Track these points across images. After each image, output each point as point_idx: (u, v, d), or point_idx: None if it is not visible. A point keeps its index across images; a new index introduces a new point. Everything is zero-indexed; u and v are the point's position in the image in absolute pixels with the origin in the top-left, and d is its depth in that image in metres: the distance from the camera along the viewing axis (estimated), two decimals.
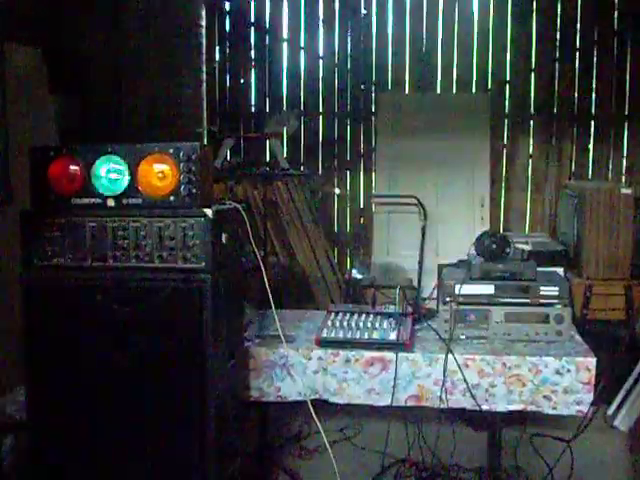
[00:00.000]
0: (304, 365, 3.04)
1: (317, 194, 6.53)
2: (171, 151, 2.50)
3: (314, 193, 6.41)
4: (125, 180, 2.54)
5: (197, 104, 6.38)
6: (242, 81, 7.07)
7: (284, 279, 5.44)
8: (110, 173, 2.54)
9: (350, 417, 4.35)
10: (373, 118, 6.75)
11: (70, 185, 2.57)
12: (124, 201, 2.55)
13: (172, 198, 2.52)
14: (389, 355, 2.97)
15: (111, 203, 2.56)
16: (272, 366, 3.05)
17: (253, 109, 7.05)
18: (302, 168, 6.63)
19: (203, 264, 2.50)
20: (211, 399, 2.56)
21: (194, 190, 2.50)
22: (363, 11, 6.75)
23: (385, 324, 3.12)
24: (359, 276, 5.71)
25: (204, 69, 6.47)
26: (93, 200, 2.57)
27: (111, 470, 2.63)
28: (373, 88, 6.78)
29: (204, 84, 6.43)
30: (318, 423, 2.97)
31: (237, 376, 2.85)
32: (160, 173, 2.51)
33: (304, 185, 6.19)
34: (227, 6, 7.09)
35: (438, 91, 6.67)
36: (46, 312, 2.63)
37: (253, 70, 7.07)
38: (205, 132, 6.31)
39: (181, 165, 2.49)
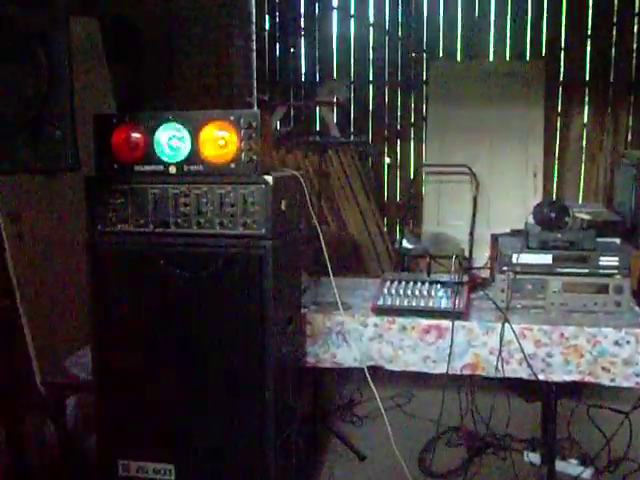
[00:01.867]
0: (360, 332, 3.05)
1: (368, 163, 6.52)
2: (232, 118, 2.51)
3: (365, 162, 6.40)
4: (186, 147, 2.56)
5: (247, 73, 6.44)
6: (292, 50, 7.05)
7: (335, 247, 5.45)
8: (172, 140, 2.56)
9: (401, 386, 4.37)
10: (424, 87, 6.69)
11: (132, 152, 2.60)
12: (185, 168, 2.57)
13: (233, 165, 2.53)
14: (445, 323, 2.97)
15: (173, 170, 2.58)
16: (328, 332, 3.08)
17: (303, 78, 7.04)
18: (352, 137, 6.62)
19: (263, 231, 2.52)
20: (270, 363, 2.59)
21: (254, 157, 2.51)
22: None
23: (441, 292, 3.12)
24: (409, 246, 5.69)
25: (254, 38, 6.50)
26: (155, 167, 2.59)
27: (173, 431, 2.69)
28: (424, 56, 6.72)
29: (254, 53, 6.47)
30: (374, 390, 2.99)
31: (295, 341, 2.88)
32: (221, 140, 2.52)
33: (355, 154, 6.18)
34: None
35: (491, 59, 6.57)
36: (110, 276, 2.69)
37: (303, 39, 7.05)
38: (255, 101, 6.35)
39: (242, 132, 2.50)
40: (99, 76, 4.31)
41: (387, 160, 6.73)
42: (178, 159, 2.57)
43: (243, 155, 2.52)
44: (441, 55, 6.69)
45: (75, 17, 3.93)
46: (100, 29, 4.43)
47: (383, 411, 3.06)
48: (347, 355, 3.08)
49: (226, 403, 2.65)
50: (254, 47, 6.48)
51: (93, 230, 2.67)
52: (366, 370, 2.99)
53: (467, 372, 3.01)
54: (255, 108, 6.36)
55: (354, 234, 5.88)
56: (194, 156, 2.56)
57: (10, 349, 3.46)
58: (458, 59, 6.65)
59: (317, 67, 7.01)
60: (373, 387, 2.99)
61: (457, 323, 2.96)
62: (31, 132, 2.23)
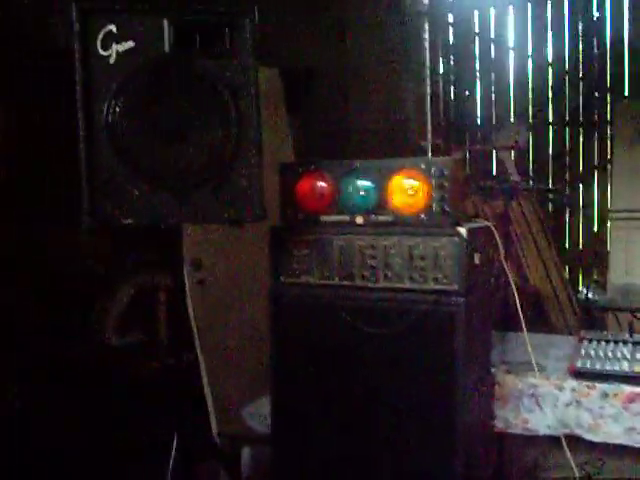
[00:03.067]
0: (555, 396, 2.79)
1: (548, 208, 6.20)
2: (422, 166, 2.39)
3: (545, 207, 6.08)
4: (374, 197, 2.46)
5: (421, 117, 6.33)
6: (467, 93, 6.89)
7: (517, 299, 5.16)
8: (359, 190, 2.48)
9: (591, 451, 4.00)
10: (609, 128, 6.29)
11: (318, 202, 2.54)
12: (373, 218, 2.47)
13: (423, 215, 2.40)
14: None
15: (360, 220, 2.49)
16: (519, 395, 2.84)
17: (479, 121, 6.85)
18: (531, 182, 6.32)
19: (455, 286, 2.36)
20: (459, 426, 2.41)
21: (446, 207, 2.37)
22: (595, 13, 6.33)
23: None
24: (595, 297, 5.29)
25: (428, 81, 6.41)
26: (341, 217, 2.51)
27: None
28: (608, 95, 6.33)
29: (428, 97, 6.37)
30: (571, 459, 2.72)
31: (484, 404, 2.68)
32: (411, 189, 2.40)
33: (535, 199, 5.89)
34: (450, 17, 6.96)
35: None
36: (292, 328, 2.63)
37: (478, 81, 6.88)
38: (430, 145, 6.22)
39: (433, 181, 2.37)
40: (279, 125, 4.34)
41: (568, 205, 6.37)
42: (365, 209, 2.48)
43: (434, 205, 2.38)
44: (627, 93, 6.28)
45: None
46: (281, 79, 4.49)
47: None
48: (540, 421, 2.82)
49: (410, 464, 2.48)
50: (428, 91, 6.38)
51: (276, 281, 2.63)
52: (563, 439, 2.72)
53: None
54: (429, 153, 6.25)
55: (536, 284, 5.57)
56: (382, 206, 2.46)
57: (189, 397, 3.48)
58: None
59: (493, 109, 6.79)
60: (569, 456, 2.72)
61: None
62: (218, 181, 2.22)
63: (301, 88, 5.54)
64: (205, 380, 3.68)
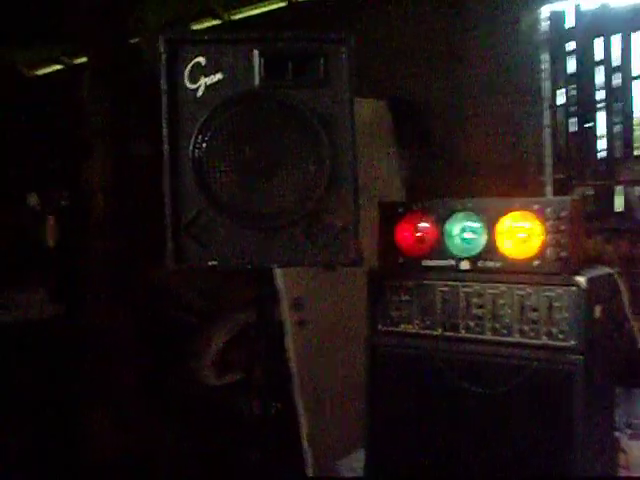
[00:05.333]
0: None
1: None
2: (536, 207, 2.15)
3: None
4: (481, 240, 2.24)
5: (539, 150, 6.03)
6: (588, 125, 6.52)
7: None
8: (465, 232, 2.27)
9: None
10: None
11: (420, 245, 2.35)
12: (480, 264, 2.25)
13: (536, 262, 2.15)
14: None
15: (465, 266, 2.27)
16: None
17: (602, 155, 6.44)
18: None
19: (572, 342, 2.09)
20: None
21: (563, 253, 2.11)
22: None
23: None
24: None
25: (547, 113, 6.10)
26: (445, 262, 2.31)
27: None
28: None
29: (547, 129, 6.06)
30: None
31: (607, 476, 2.37)
32: (523, 232, 2.17)
33: None
34: (571, 45, 6.62)
35: None
36: (389, 379, 2.44)
37: (601, 112, 6.49)
38: (549, 180, 5.90)
39: (548, 223, 2.13)
40: (387, 160, 4.17)
41: None
42: (471, 253, 2.27)
43: (549, 251, 2.13)
44: None
45: (362, 99, 3.84)
46: (390, 111, 4.33)
47: None
48: None
49: None
50: (547, 123, 6.07)
51: (374, 328, 2.45)
52: None
53: None
54: (548, 187, 5.93)
55: None
56: (490, 250, 2.23)
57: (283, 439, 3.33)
58: None
59: (617, 142, 6.37)
60: None
61: None
62: (310, 222, 2.05)
63: (411, 121, 5.38)
64: (302, 425, 3.52)
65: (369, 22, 5.93)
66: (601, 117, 6.38)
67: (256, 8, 7.14)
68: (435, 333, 2.31)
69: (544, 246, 2.14)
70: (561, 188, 5.89)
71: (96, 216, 3.45)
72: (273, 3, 7.03)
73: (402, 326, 2.38)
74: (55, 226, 5.33)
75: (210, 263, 2.05)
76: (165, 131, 2.01)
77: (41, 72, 8.55)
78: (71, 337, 3.58)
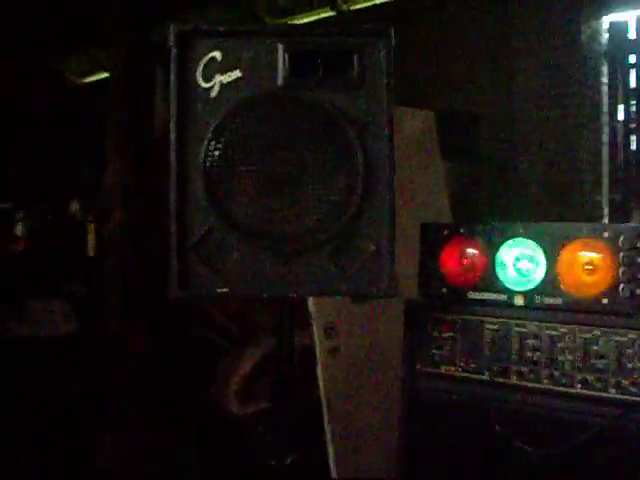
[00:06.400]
0: None
1: None
2: (606, 234, 1.83)
3: None
4: (540, 272, 1.92)
5: (597, 169, 5.70)
6: None
7: None
8: (520, 261, 1.95)
9: None
10: None
11: (467, 274, 2.05)
12: (537, 300, 1.94)
13: (605, 300, 1.83)
14: None
15: (519, 301, 1.96)
16: None
17: None
18: None
19: None
20: None
21: (637, 292, 1.78)
22: None
23: None
24: None
25: (606, 130, 5.77)
26: (496, 296, 2.00)
27: None
28: None
29: (605, 146, 5.74)
30: None
31: None
32: (588, 264, 1.84)
33: None
34: (633, 58, 6.25)
35: None
36: (427, 426, 2.12)
37: None
38: (607, 201, 5.58)
39: (620, 255, 1.80)
40: (431, 175, 3.86)
41: None
42: (527, 287, 1.96)
43: (621, 287, 1.81)
44: None
45: (407, 108, 3.55)
46: (437, 123, 4.02)
47: None
48: None
49: None
50: (606, 140, 5.75)
51: (411, 368, 2.14)
52: None
53: None
54: (605, 209, 5.58)
55: None
56: (549, 284, 1.92)
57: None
58: None
59: None
60: None
61: None
62: (338, 245, 1.76)
63: (461, 134, 5.11)
64: (332, 457, 3.24)
65: (419, 30, 5.68)
66: None
67: (303, 17, 6.94)
68: (482, 378, 1.99)
69: (615, 281, 1.82)
70: (618, 209, 5.56)
71: (113, 230, 3.23)
72: (321, 12, 6.82)
73: (443, 367, 2.07)
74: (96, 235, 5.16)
75: (220, 290, 1.77)
76: (173, 136, 1.74)
77: (89, 80, 8.49)
78: (82, 356, 3.37)
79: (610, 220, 5.42)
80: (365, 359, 3.32)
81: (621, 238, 1.81)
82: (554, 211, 5.35)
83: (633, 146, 6.21)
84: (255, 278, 1.78)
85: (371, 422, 3.25)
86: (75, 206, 6.03)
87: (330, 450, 3.26)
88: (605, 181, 5.68)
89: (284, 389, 2.54)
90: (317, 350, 3.25)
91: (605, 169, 5.73)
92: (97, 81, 8.07)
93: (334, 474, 3.23)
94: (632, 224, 1.81)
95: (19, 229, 5.26)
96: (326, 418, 3.25)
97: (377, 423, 3.21)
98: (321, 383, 3.26)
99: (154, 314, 3.38)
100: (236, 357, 3.74)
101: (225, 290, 1.77)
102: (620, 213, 5.48)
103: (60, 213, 5.75)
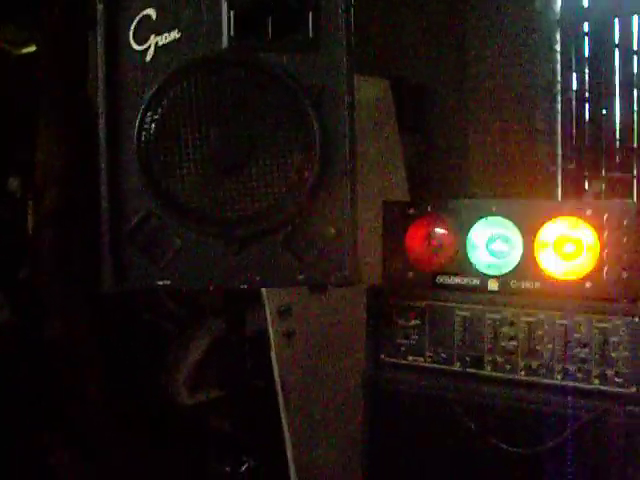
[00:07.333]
0: None
1: None
2: (589, 212, 1.68)
3: None
4: (515, 254, 1.80)
5: (551, 139, 5.67)
6: (604, 111, 6.13)
7: None
8: (493, 242, 1.81)
9: None
10: None
11: (435, 257, 1.92)
12: (513, 284, 1.81)
13: (587, 284, 1.72)
14: None
15: (493, 286, 1.83)
16: None
17: (618, 144, 6.06)
18: None
19: (634, 389, 1.65)
20: None
21: (623, 275, 1.65)
22: None
23: None
24: None
25: (559, 98, 5.74)
26: (467, 280, 1.88)
27: None
28: None
29: (559, 116, 5.70)
30: None
31: None
32: (570, 244, 1.70)
33: None
34: (586, 27, 6.21)
35: None
36: (392, 422, 1.99)
37: (618, 98, 6.10)
38: (559, 171, 5.55)
39: (605, 234, 1.66)
40: (389, 149, 3.69)
41: None
42: (502, 271, 1.84)
43: (605, 269, 1.68)
44: None
45: (361, 76, 3.38)
46: (392, 92, 3.87)
47: None
48: None
49: None
50: (559, 109, 5.70)
51: (374, 358, 2.00)
52: None
53: None
54: (559, 178, 5.55)
55: None
56: (526, 267, 1.80)
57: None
58: None
59: (635, 130, 5.98)
60: None
61: None
62: (293, 229, 1.57)
63: (414, 105, 4.99)
64: (289, 447, 3.11)
65: None
66: (618, 104, 6.00)
67: None
68: (453, 369, 1.85)
69: (600, 263, 1.69)
70: (572, 180, 5.54)
71: (46, 209, 2.99)
72: None
73: (410, 358, 1.93)
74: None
75: (160, 283, 1.56)
76: (101, 105, 1.52)
77: (25, 51, 8.11)
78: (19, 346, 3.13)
79: (563, 190, 5.40)
80: (323, 344, 3.19)
81: (605, 216, 1.67)
82: (506, 182, 5.31)
83: (587, 115, 6.19)
84: (200, 268, 1.58)
85: (329, 412, 3.13)
86: (14, 182, 5.77)
87: (286, 441, 3.13)
88: (559, 151, 5.65)
89: (234, 377, 2.37)
90: (270, 334, 3.11)
91: (559, 139, 5.69)
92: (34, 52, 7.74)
93: (292, 469, 3.12)
94: (616, 201, 1.68)
95: None
96: (282, 407, 3.13)
97: (335, 413, 3.10)
98: (275, 371, 3.13)
99: (96, 303, 3.17)
100: (184, 343, 3.55)
101: (167, 282, 1.57)
102: (574, 183, 5.46)
103: None
